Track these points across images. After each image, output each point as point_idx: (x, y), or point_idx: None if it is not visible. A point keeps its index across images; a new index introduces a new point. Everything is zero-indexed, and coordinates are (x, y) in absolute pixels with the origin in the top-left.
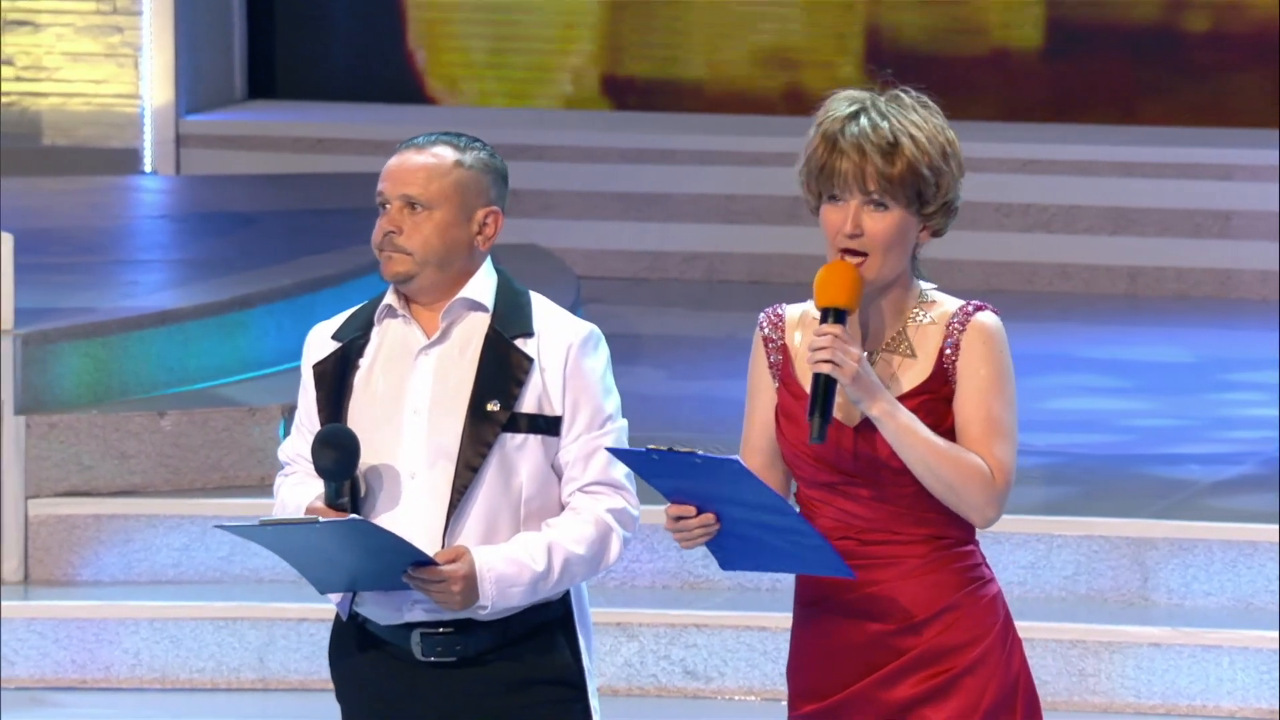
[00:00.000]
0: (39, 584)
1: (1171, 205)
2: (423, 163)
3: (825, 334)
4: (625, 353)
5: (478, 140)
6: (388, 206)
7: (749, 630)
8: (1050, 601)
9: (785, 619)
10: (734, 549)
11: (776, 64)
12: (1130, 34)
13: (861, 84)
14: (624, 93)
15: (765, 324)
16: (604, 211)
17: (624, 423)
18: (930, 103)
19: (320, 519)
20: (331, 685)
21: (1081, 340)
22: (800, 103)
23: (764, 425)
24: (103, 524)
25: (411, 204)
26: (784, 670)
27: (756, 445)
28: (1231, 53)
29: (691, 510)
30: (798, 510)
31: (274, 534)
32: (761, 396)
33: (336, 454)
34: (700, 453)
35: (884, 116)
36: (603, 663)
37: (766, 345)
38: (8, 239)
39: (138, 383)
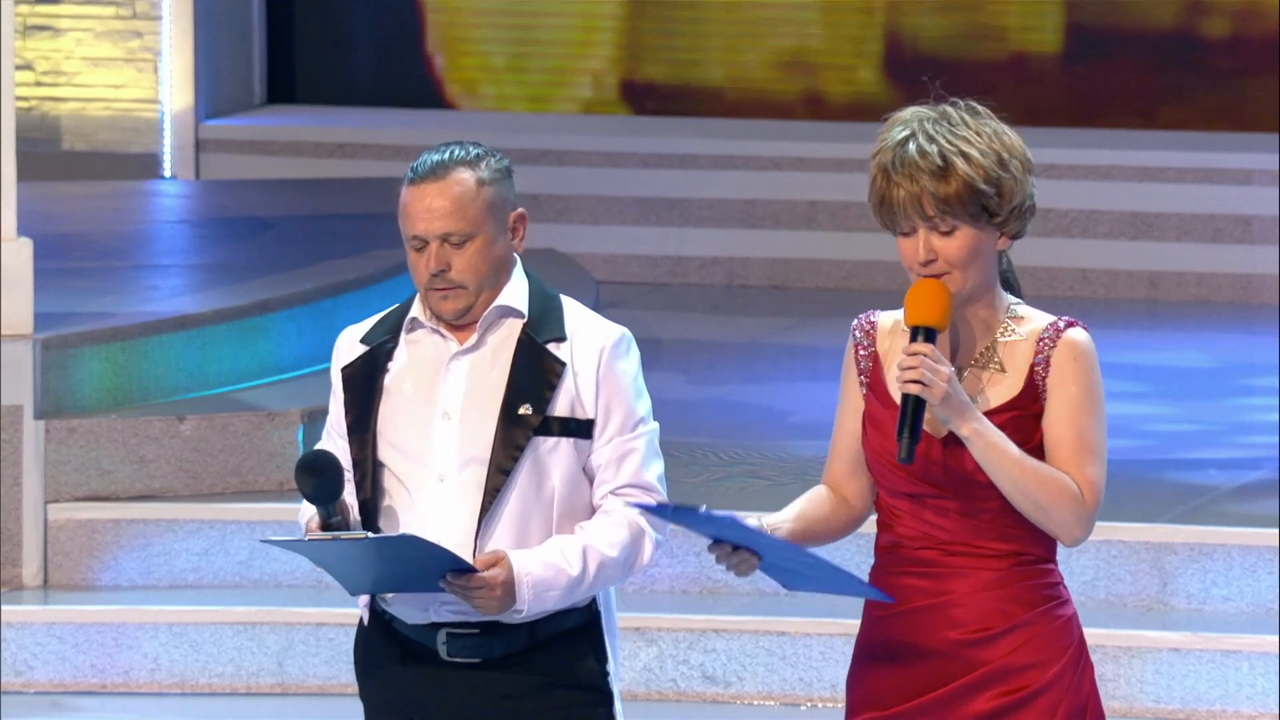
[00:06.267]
0: (58, 588)
1: (1192, 210)
2: (450, 195)
3: (915, 353)
4: (644, 357)
5: (477, 145)
6: (426, 246)
7: (768, 635)
8: None
9: (804, 624)
10: (785, 576)
11: (795, 69)
12: (1150, 39)
13: (882, 91)
14: (643, 97)
15: (857, 330)
16: (623, 216)
17: (655, 425)
18: (980, 109)
19: (370, 534)
20: (350, 689)
21: (1101, 345)
22: (819, 108)
23: (850, 433)
24: (122, 528)
25: (453, 239)
26: (802, 675)
27: (841, 452)
28: (1251, 57)
29: (728, 548)
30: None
31: (319, 548)
32: (850, 403)
33: (316, 479)
34: (704, 510)
35: (931, 139)
36: (622, 667)
37: (857, 352)
38: (27, 244)
39: (157, 387)
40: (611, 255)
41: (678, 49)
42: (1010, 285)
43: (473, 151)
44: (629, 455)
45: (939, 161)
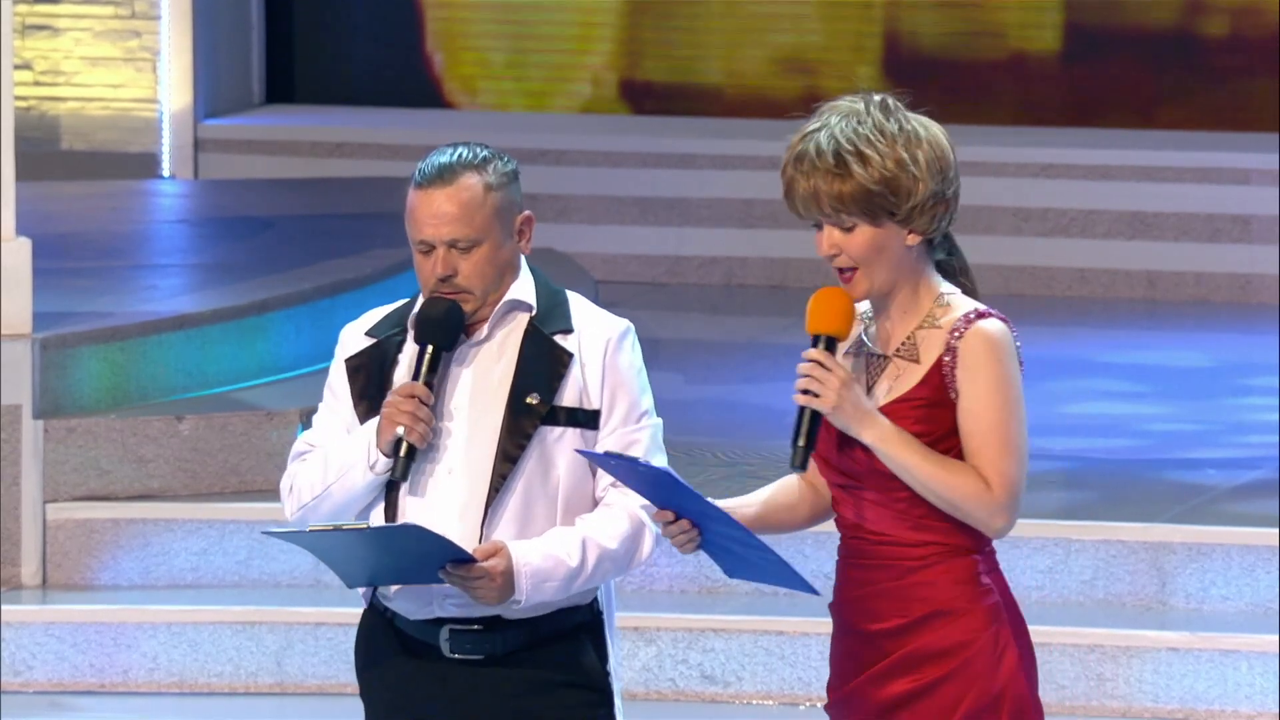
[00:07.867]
0: (57, 588)
1: (1190, 210)
2: (457, 200)
3: (806, 361)
4: (643, 357)
5: (485, 147)
6: (433, 250)
7: (766, 635)
8: (1068, 606)
9: (802, 623)
10: (725, 558)
11: (794, 68)
12: (1148, 38)
13: (881, 90)
14: (642, 97)
15: None
16: (622, 216)
17: (659, 421)
18: (893, 105)
19: (371, 524)
20: (349, 689)
21: (1099, 345)
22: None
23: None
24: (121, 528)
25: (460, 245)
26: (801, 675)
27: None
28: (1250, 57)
29: (671, 516)
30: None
31: (318, 539)
32: None
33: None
34: (642, 461)
35: (832, 137)
36: (621, 667)
37: None
38: (26, 243)
39: (156, 387)
40: (610, 255)
41: (677, 48)
42: (949, 272)
43: (480, 154)
44: (632, 446)
45: (832, 161)
